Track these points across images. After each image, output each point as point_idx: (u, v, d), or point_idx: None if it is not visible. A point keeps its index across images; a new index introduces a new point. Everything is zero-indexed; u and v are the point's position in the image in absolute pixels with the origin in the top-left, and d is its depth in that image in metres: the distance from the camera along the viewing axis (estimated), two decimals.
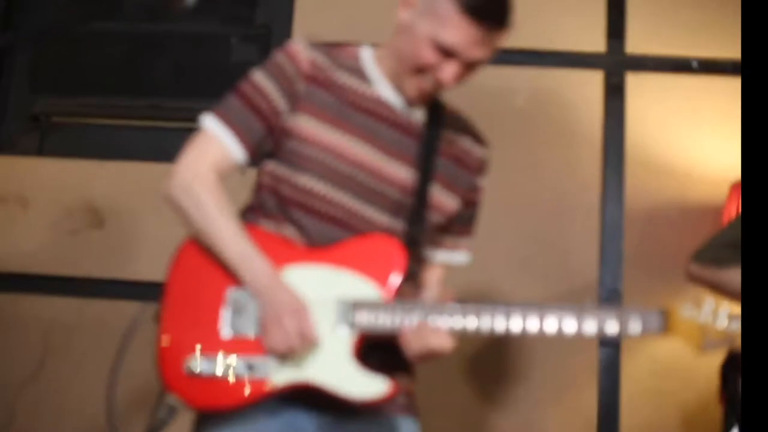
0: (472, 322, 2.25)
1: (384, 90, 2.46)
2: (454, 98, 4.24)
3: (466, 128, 2.64)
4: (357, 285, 2.32)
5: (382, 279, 2.32)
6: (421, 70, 2.36)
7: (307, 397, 2.31)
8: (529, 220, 4.19)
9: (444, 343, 2.23)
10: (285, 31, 4.46)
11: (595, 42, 4.34)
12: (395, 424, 2.42)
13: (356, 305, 2.29)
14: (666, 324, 2.20)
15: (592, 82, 4.30)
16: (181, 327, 2.34)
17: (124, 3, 4.66)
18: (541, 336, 2.23)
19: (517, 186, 4.22)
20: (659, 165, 4.20)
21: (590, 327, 2.21)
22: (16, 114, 4.76)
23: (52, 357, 4.24)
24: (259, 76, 2.44)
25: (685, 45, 4.30)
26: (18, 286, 4.29)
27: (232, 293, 2.34)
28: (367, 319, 2.28)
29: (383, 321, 2.27)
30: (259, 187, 2.49)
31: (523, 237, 4.19)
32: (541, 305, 2.25)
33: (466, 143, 2.60)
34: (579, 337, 2.21)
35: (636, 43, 4.33)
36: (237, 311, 2.33)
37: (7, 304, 4.28)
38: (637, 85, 4.29)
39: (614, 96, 4.28)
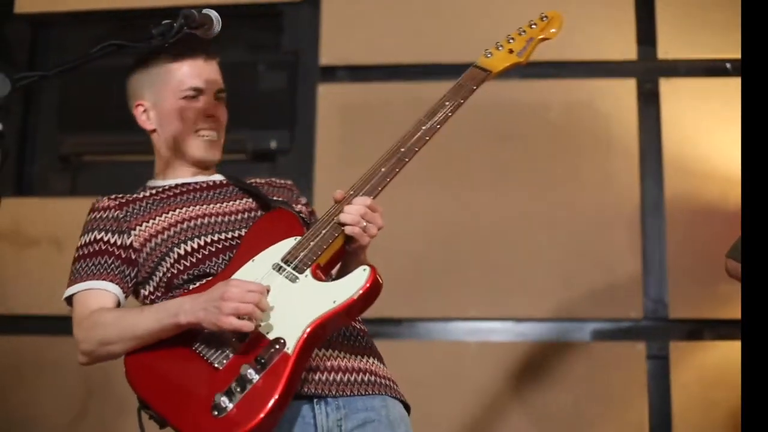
0: (374, 189, 2.48)
1: (176, 181, 2.75)
2: (483, 116, 4.25)
3: (262, 177, 2.92)
4: (278, 249, 2.46)
5: (289, 232, 2.50)
6: (194, 126, 2.69)
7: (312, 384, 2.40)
8: (569, 235, 4.15)
9: (374, 209, 2.43)
10: (312, 56, 4.44)
11: (626, 50, 4.30)
12: (390, 404, 2.53)
13: (289, 255, 2.43)
14: (484, 69, 2.68)
15: (626, 90, 4.25)
16: (185, 400, 2.34)
17: (147, 35, 4.71)
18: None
19: (554, 201, 4.19)
20: (698, 170, 4.14)
21: (441, 117, 2.60)
22: (45, 154, 4.77)
23: (93, 398, 4.24)
24: (82, 239, 2.65)
25: (717, 47, 4.24)
26: (56, 329, 4.28)
27: (196, 346, 2.38)
28: (304, 254, 2.40)
29: (316, 243, 2.41)
30: None
31: (564, 252, 4.15)
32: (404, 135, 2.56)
33: (268, 179, 2.88)
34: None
35: (667, 49, 4.29)
36: (213, 350, 2.35)
37: (47, 347, 4.29)
38: (671, 90, 4.24)
39: (648, 103, 4.24)
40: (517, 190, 4.20)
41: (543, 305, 4.12)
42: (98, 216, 2.66)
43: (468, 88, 2.65)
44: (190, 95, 2.68)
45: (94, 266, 2.58)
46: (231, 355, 2.32)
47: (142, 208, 2.66)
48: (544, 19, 2.77)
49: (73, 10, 4.72)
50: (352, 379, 2.47)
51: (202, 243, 2.57)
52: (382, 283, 2.35)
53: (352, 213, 2.39)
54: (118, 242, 2.61)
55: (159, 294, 2.59)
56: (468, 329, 4.18)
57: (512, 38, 2.74)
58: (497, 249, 4.19)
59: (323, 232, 2.41)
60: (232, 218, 2.66)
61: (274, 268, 2.41)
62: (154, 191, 2.72)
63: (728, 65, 4.23)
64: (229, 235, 2.60)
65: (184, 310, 2.35)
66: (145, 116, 2.75)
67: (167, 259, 2.56)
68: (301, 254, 2.40)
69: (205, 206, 2.67)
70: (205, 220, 2.63)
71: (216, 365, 2.32)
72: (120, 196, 2.71)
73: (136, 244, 2.60)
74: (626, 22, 4.32)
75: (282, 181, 2.90)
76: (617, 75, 4.29)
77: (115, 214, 2.64)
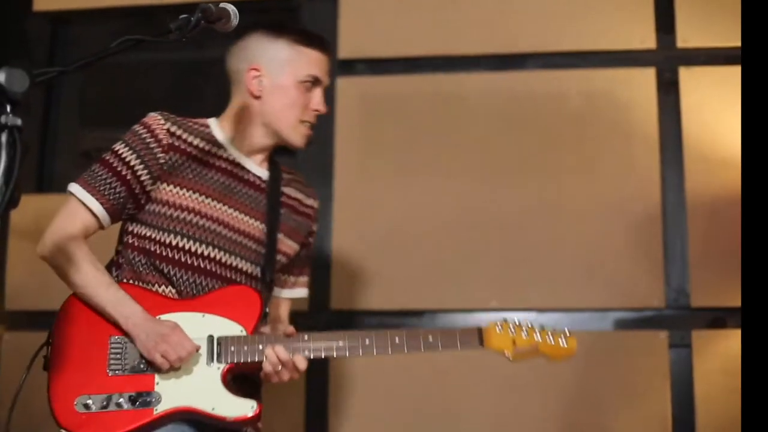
0: (317, 351, 2.74)
1: (235, 153, 2.91)
2: (502, 106, 4.25)
3: (298, 182, 3.11)
4: (224, 326, 2.73)
5: (243, 320, 2.74)
6: (302, 113, 2.87)
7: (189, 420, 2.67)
8: (589, 224, 4.14)
9: (300, 365, 2.71)
10: (330, 49, 4.43)
11: (645, 38, 4.28)
12: None
13: (223, 340, 2.70)
14: (482, 339, 2.85)
15: (645, 79, 4.23)
16: (71, 370, 2.66)
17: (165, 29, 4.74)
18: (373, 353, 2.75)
19: (575, 191, 4.18)
20: (719, 159, 4.12)
21: (416, 345, 2.77)
22: (66, 150, 4.78)
23: None
24: (122, 148, 2.80)
25: (736, 35, 4.17)
26: None
27: (113, 339, 2.69)
28: (233, 351, 2.69)
29: (246, 351, 2.70)
30: (125, 247, 2.85)
31: (585, 242, 4.14)
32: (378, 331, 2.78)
33: (299, 195, 3.09)
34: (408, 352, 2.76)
35: (687, 37, 4.26)
36: (118, 354, 2.67)
37: None
38: (690, 79, 4.21)
39: (668, 92, 4.22)
40: (537, 180, 4.19)
41: (564, 295, 4.12)
42: (147, 137, 2.80)
43: (453, 343, 2.83)
44: (308, 81, 2.86)
45: (107, 185, 2.76)
46: (123, 374, 2.63)
47: (183, 165, 2.80)
48: (562, 340, 2.92)
49: (91, 7, 4.74)
50: None
51: (198, 252, 2.79)
52: (259, 419, 2.68)
53: (274, 362, 2.67)
54: (142, 177, 2.76)
55: (138, 245, 2.79)
56: (489, 320, 4.16)
57: (526, 332, 2.89)
58: (518, 239, 4.18)
59: (259, 347, 2.69)
60: (238, 240, 2.85)
61: (207, 339, 2.70)
62: (211, 148, 2.87)
63: None
64: (223, 260, 2.82)
65: (134, 322, 2.65)
66: (257, 81, 2.87)
67: (161, 234, 2.77)
68: (231, 349, 2.69)
69: (230, 210, 2.85)
70: (218, 229, 2.81)
71: (108, 371, 2.65)
72: (177, 132, 2.82)
73: (152, 194, 2.77)
74: (645, 10, 4.29)
75: (308, 204, 3.11)
76: (636, 64, 4.27)
77: (158, 152, 2.77)
